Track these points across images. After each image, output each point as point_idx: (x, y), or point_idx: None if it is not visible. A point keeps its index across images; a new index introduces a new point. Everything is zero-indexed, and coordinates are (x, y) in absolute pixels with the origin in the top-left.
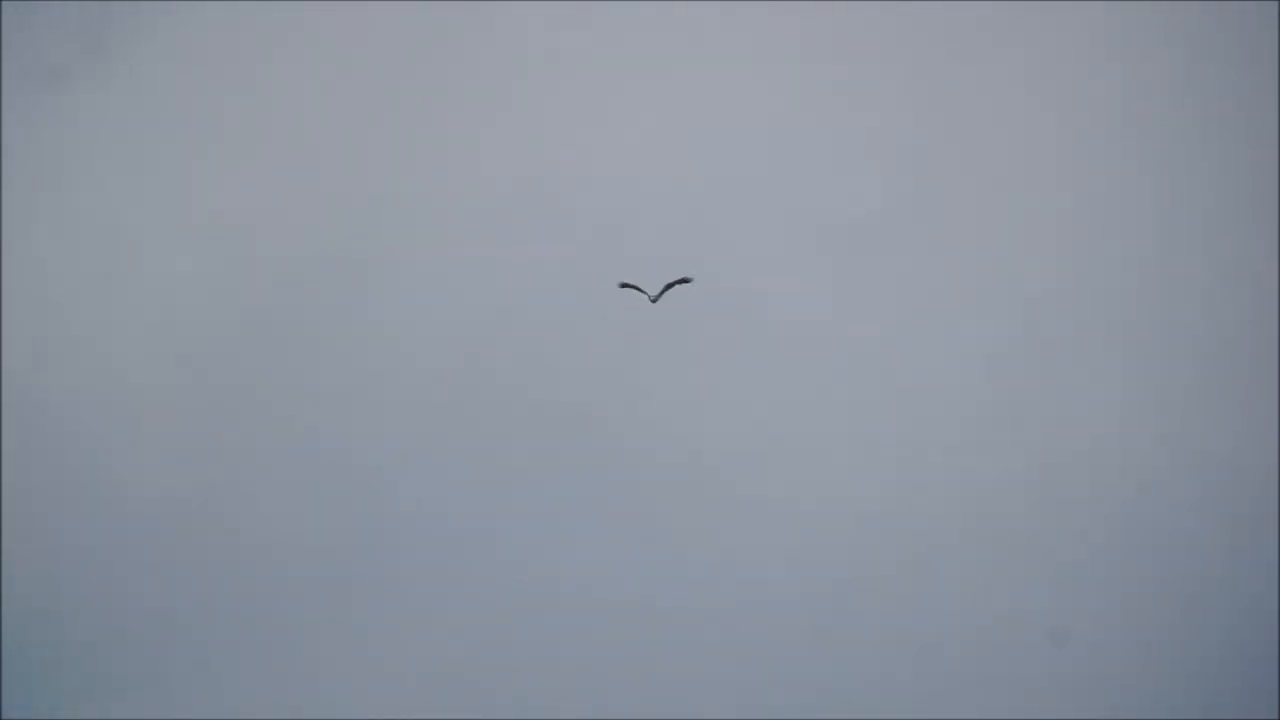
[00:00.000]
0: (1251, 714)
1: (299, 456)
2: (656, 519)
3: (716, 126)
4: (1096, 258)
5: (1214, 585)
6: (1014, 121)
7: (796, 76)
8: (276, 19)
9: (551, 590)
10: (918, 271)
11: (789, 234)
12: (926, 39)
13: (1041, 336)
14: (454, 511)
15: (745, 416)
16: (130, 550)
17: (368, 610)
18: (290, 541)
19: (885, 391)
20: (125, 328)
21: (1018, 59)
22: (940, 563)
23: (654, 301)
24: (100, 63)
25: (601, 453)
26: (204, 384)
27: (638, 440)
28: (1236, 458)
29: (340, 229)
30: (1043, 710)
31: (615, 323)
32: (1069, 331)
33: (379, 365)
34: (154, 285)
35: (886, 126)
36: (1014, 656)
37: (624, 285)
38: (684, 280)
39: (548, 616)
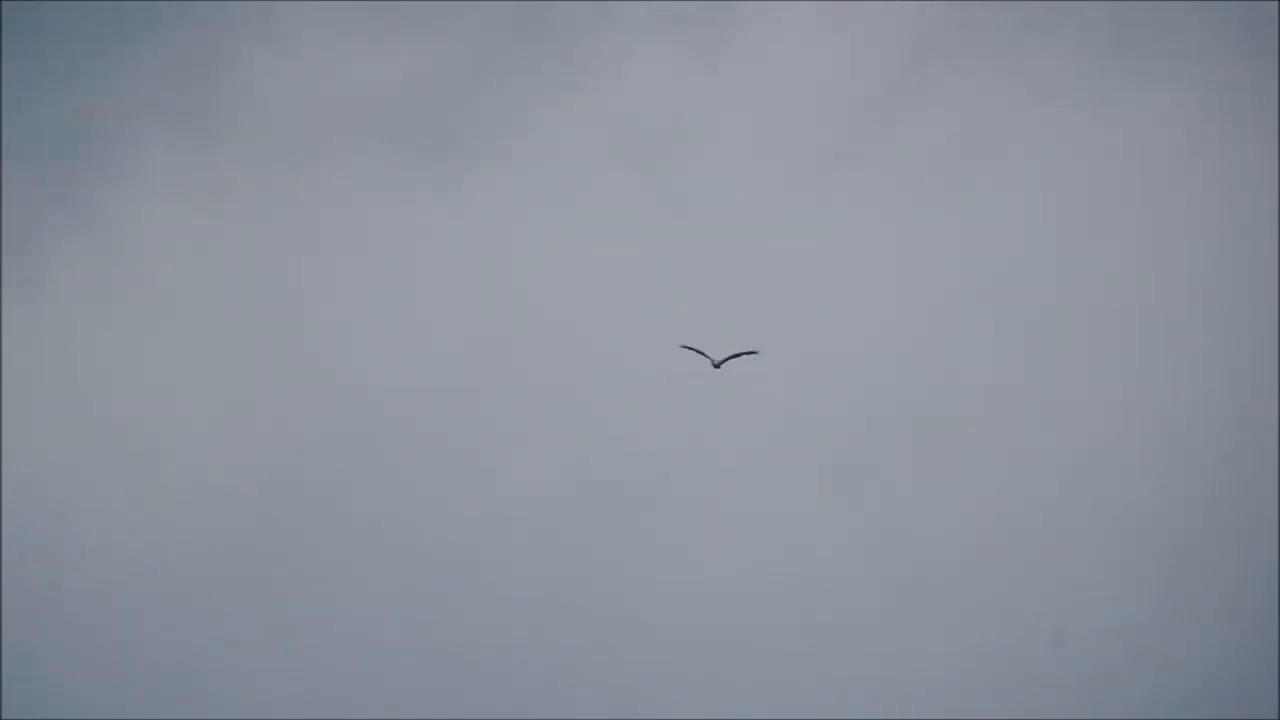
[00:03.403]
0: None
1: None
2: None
3: (715, 335)
4: (1075, 468)
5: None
6: (1002, 330)
7: (790, 289)
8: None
9: None
10: (900, 473)
11: (782, 438)
12: (920, 254)
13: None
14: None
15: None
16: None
17: None
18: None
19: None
20: (133, 526)
21: (1000, 269)
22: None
23: (717, 367)
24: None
25: (589, 644)
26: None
27: (625, 630)
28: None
29: (353, 426)
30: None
31: (606, 518)
32: (1053, 533)
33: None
34: (164, 486)
35: (877, 337)
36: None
37: (686, 348)
38: (751, 352)
39: None
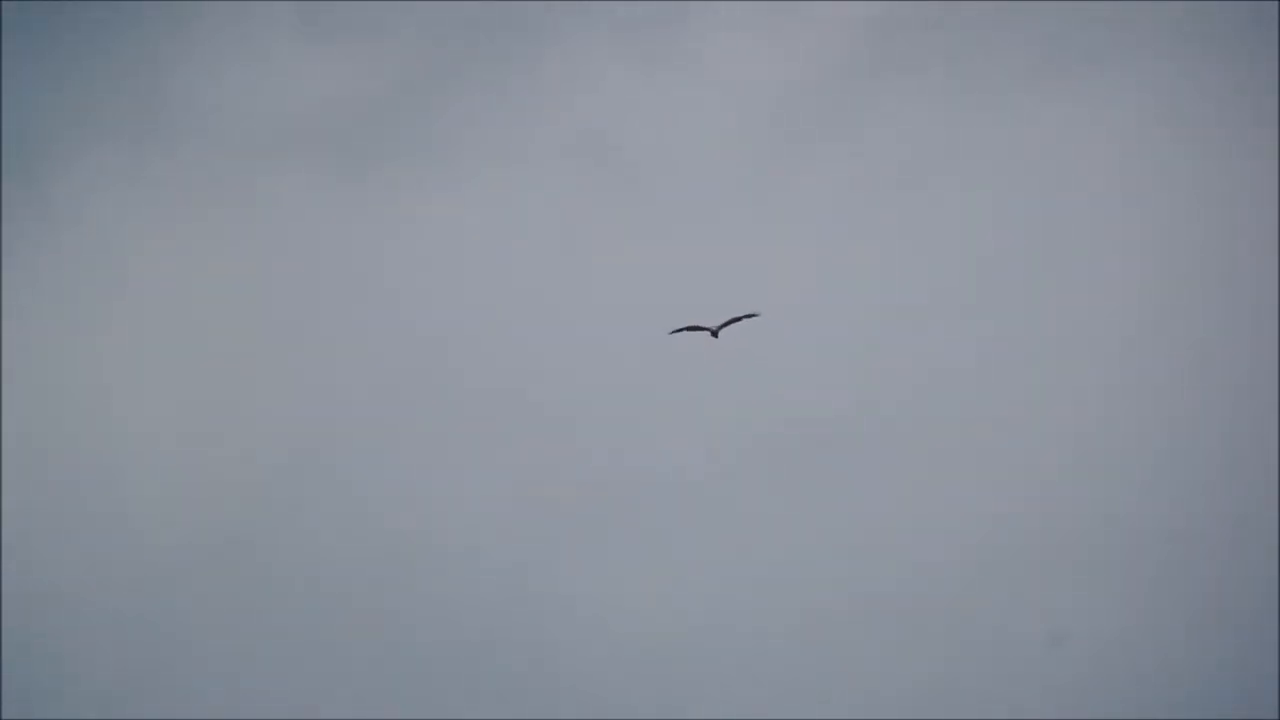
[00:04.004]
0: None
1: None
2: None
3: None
4: (1049, 468)
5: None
6: (978, 331)
7: (747, 291)
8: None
9: None
10: (878, 472)
11: (759, 434)
12: (884, 254)
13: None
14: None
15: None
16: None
17: None
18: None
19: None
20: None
21: (980, 277)
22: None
23: (716, 335)
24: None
25: (565, 641)
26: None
27: (605, 628)
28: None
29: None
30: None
31: (591, 520)
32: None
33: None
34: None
35: (855, 338)
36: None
37: (676, 331)
38: (750, 315)
39: None
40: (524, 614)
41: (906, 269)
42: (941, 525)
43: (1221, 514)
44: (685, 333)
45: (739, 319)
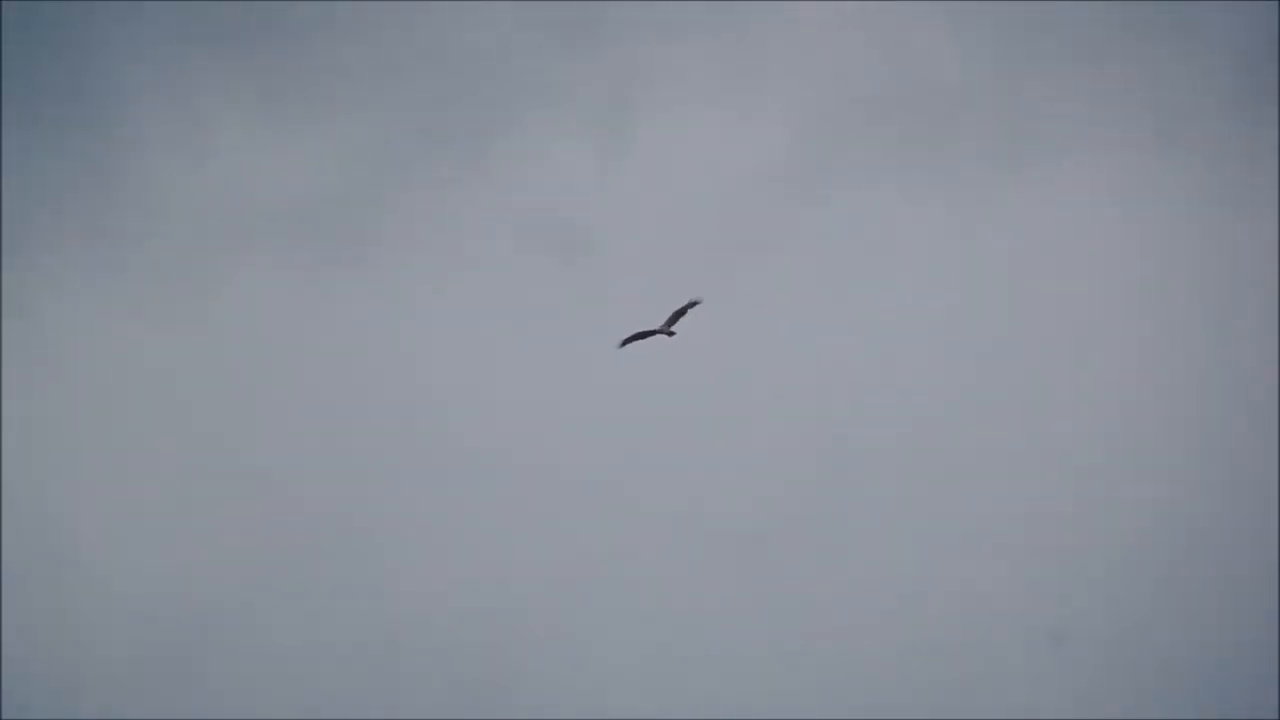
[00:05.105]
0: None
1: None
2: None
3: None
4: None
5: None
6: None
7: (697, 378)
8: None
9: None
10: (876, 472)
11: (688, 540)
12: (835, 338)
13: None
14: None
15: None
16: None
17: None
18: None
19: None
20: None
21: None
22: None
23: (671, 334)
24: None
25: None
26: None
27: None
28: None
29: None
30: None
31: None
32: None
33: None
34: (161, 516)
35: (853, 357)
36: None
37: (625, 343)
38: (692, 304)
39: None
40: (513, 622)
41: (900, 294)
42: (940, 525)
43: (1221, 514)
44: (637, 341)
45: (684, 310)
